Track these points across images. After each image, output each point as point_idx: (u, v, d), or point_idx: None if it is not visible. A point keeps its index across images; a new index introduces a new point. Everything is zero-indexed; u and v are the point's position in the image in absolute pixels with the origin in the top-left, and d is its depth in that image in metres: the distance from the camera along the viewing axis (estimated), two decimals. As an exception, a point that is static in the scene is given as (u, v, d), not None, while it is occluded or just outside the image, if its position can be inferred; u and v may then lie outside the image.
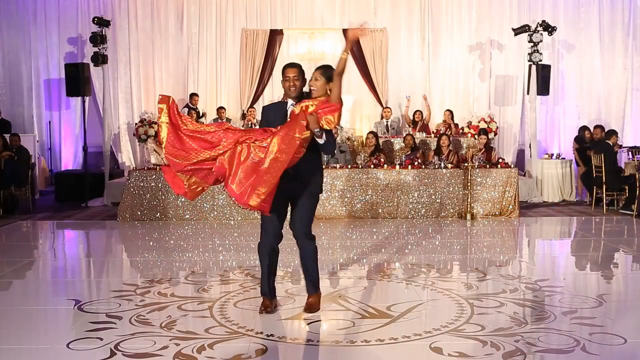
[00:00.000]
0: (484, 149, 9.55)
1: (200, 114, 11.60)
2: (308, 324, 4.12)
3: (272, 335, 3.87)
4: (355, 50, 11.93)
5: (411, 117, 11.54)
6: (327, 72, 4.09)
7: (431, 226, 8.15)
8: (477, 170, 8.72)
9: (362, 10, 12.41)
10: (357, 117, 12.38)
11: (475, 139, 10.32)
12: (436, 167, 8.87)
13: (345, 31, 4.29)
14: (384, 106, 11.80)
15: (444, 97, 12.47)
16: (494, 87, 12.37)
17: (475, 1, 12.35)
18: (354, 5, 12.45)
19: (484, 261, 6.21)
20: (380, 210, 8.65)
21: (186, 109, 11.22)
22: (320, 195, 4.35)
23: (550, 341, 3.75)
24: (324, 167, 4.24)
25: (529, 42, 10.66)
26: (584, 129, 10.90)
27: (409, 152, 9.90)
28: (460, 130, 11.20)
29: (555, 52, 12.28)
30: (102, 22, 10.50)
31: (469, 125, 11.13)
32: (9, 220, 8.85)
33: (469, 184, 8.58)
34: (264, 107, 4.52)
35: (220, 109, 11.51)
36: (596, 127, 10.38)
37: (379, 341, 3.75)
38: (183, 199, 8.55)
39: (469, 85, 12.47)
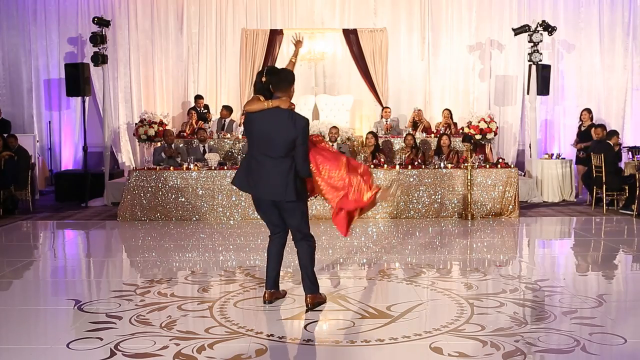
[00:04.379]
0: (473, 151, 9.37)
1: (207, 119, 11.62)
2: (308, 324, 4.13)
3: (272, 335, 3.87)
4: (355, 50, 11.93)
5: (412, 121, 11.59)
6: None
7: (431, 226, 8.15)
8: (477, 170, 8.72)
9: (362, 10, 12.43)
10: (357, 117, 12.38)
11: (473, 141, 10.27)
12: (436, 167, 8.87)
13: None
14: (384, 106, 11.79)
15: (444, 97, 12.48)
16: (494, 87, 12.37)
17: (475, 1, 12.35)
18: (354, 5, 12.46)
19: (484, 261, 6.21)
20: (380, 210, 8.65)
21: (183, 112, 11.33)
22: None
23: (550, 341, 3.76)
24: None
25: (529, 42, 10.64)
26: (587, 111, 10.70)
27: (409, 152, 9.90)
28: (460, 130, 11.19)
29: (555, 52, 12.28)
30: (102, 22, 10.49)
31: (469, 125, 11.12)
32: (9, 220, 8.85)
33: (469, 184, 8.58)
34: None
35: (198, 98, 11.72)
36: (597, 126, 10.33)
37: (379, 341, 3.75)
38: (183, 199, 8.56)
39: (469, 85, 12.47)
